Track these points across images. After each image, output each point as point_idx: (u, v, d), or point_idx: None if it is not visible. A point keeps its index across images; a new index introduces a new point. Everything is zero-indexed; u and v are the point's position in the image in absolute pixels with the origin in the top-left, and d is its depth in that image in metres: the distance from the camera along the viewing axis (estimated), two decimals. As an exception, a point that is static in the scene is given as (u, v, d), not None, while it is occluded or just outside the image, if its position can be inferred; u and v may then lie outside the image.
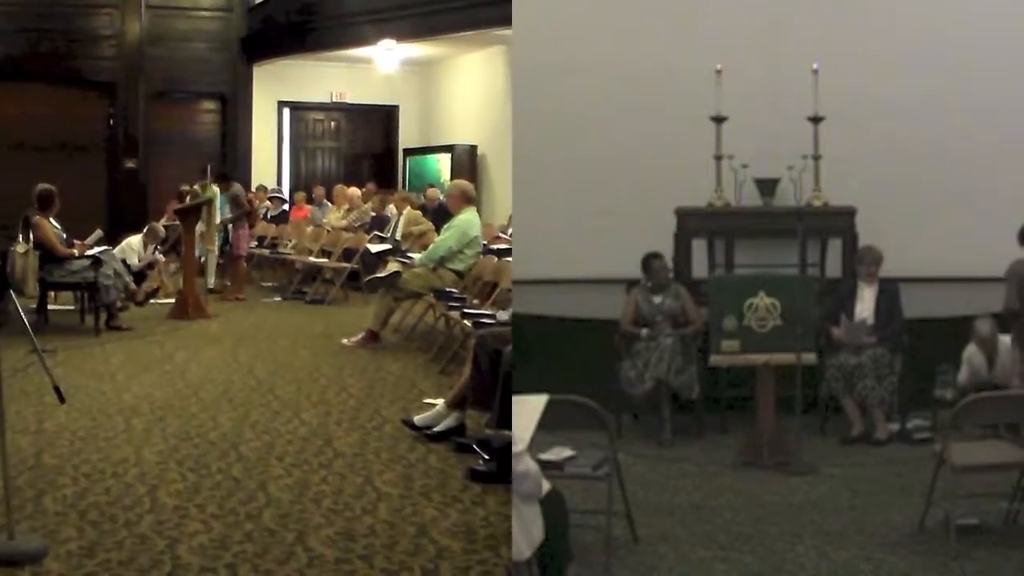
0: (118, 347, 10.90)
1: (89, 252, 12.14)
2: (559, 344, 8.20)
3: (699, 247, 8.52)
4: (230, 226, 15.65)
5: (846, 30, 8.80)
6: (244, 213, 15.55)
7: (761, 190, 8.56)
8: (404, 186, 21.52)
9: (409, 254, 12.03)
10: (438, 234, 11.69)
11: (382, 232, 15.42)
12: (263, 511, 5.74)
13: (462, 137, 20.70)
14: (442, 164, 20.99)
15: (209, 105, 21.95)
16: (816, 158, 8.42)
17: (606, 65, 8.87)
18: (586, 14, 8.99)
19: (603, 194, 8.77)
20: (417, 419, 7.29)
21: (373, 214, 17.09)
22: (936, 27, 8.83)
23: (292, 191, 21.17)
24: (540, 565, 4.38)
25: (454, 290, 10.60)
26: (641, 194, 8.62)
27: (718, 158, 8.47)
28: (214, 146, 21.81)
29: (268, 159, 22.55)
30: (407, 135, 23.05)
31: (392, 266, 11.58)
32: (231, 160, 21.33)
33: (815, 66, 8.27)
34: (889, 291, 7.88)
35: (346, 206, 17.68)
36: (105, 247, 12.61)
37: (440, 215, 14.12)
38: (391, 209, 16.46)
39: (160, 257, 14.77)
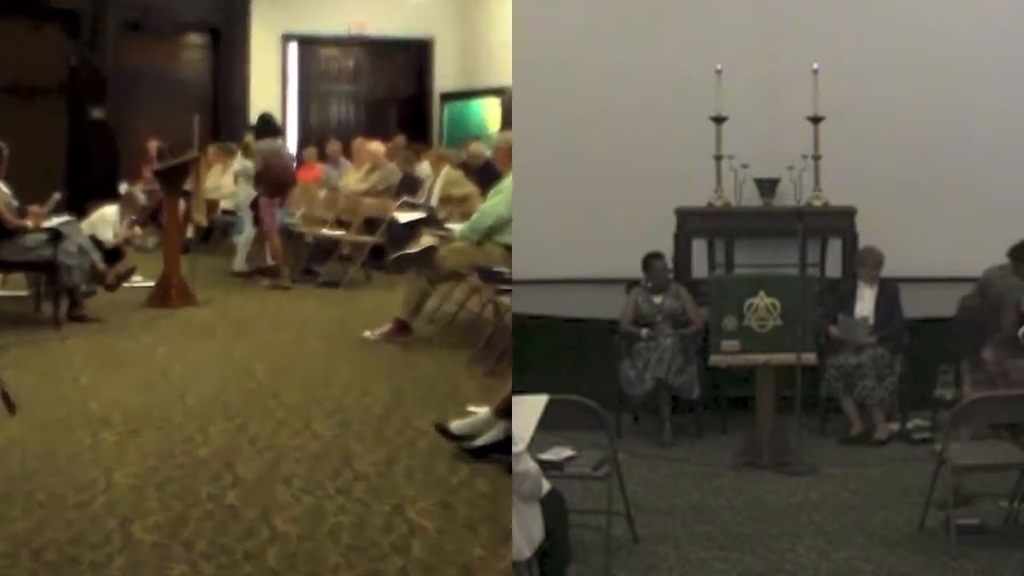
0: (83, 342, 9.13)
1: (46, 224, 9.92)
2: (559, 344, 8.20)
3: (699, 247, 8.52)
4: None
5: (846, 30, 8.81)
6: (273, 178, 12.57)
7: (761, 190, 8.56)
8: (440, 140, 18.24)
9: (447, 224, 9.90)
10: (483, 200, 9.58)
11: (413, 197, 12.23)
12: (266, 549, 4.75)
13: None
14: (488, 111, 17.49)
15: (196, 39, 18.36)
16: (816, 158, 8.42)
17: (606, 65, 8.88)
18: (586, 14, 8.99)
19: (603, 194, 8.77)
20: (455, 425, 6.22)
21: (402, 175, 13.91)
22: (936, 27, 8.84)
23: (300, 147, 17.66)
24: (540, 565, 4.38)
25: (504, 269, 8.52)
26: (641, 194, 8.62)
27: (718, 158, 8.47)
28: (202, 91, 18.17)
29: (270, 107, 17.16)
30: (444, 76, 18.95)
31: (426, 240, 9.56)
32: (223, 108, 17.85)
33: (815, 66, 8.27)
34: (889, 291, 7.88)
35: (367, 165, 14.46)
36: (67, 217, 10.43)
37: (486, 175, 11.53)
38: (424, 168, 13.58)
39: (136, 231, 12.08)
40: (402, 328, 9.19)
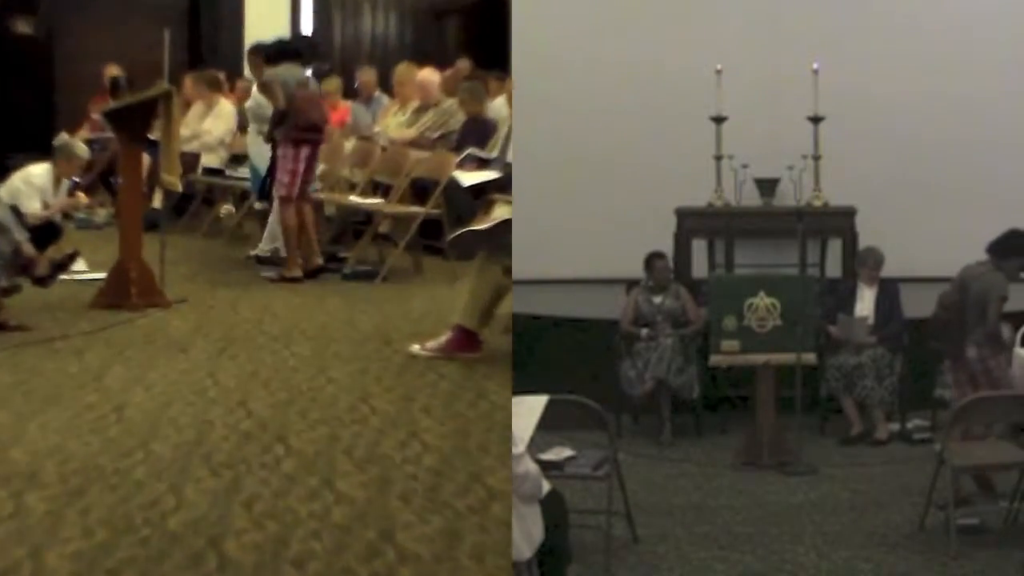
0: (1, 360, 6.86)
1: None
2: (559, 344, 8.19)
3: (699, 247, 8.52)
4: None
5: (846, 30, 8.80)
6: (300, 123, 9.18)
7: (761, 190, 8.55)
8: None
9: None
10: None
11: (482, 149, 8.39)
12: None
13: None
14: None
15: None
16: (816, 158, 8.42)
17: (606, 65, 8.87)
18: (586, 14, 8.99)
19: (603, 194, 8.76)
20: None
21: (465, 116, 10.37)
22: (936, 27, 8.83)
23: (318, 76, 12.36)
24: (540, 565, 4.38)
25: None
26: (641, 194, 8.61)
27: (718, 158, 8.46)
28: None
29: (274, 19, 13.72)
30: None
31: (501, 211, 7.04)
32: (207, 22, 13.79)
33: (815, 66, 8.26)
34: (889, 291, 7.88)
35: (415, 102, 10.81)
36: None
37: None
38: (498, 107, 10.13)
39: (81, 198, 9.54)
40: (467, 339, 6.98)
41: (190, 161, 11.51)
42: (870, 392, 7.54)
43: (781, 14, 8.81)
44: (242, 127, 12.12)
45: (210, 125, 12.56)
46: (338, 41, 14.64)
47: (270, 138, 9.74)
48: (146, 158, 8.94)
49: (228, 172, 11.97)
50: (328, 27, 14.30)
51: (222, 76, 12.79)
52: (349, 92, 12.45)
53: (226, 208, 12.36)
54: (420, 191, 10.03)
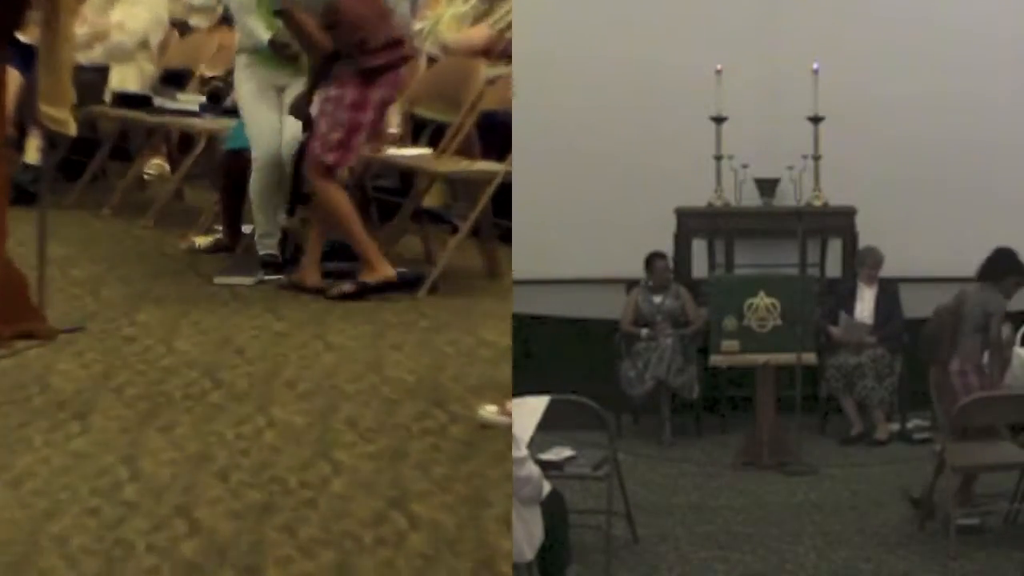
0: None
1: None
2: (559, 344, 8.19)
3: (699, 247, 8.52)
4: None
5: (846, 30, 8.80)
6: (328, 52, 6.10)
7: (761, 190, 8.55)
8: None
9: None
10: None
11: None
12: None
13: None
14: None
15: None
16: (816, 158, 8.41)
17: (606, 65, 8.87)
18: (586, 13, 8.98)
19: (603, 194, 8.76)
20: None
21: None
22: (936, 27, 8.83)
23: None
24: (540, 566, 4.38)
25: None
26: (641, 194, 8.61)
27: (718, 158, 8.46)
28: None
29: None
30: None
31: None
32: None
33: (815, 66, 8.26)
34: (889, 291, 7.89)
35: None
36: None
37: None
38: None
39: None
40: None
41: (92, 82, 7.90)
42: (870, 392, 7.54)
43: (781, 14, 8.81)
44: (181, 26, 8.62)
45: (124, 15, 8.55)
46: None
47: (306, 101, 6.30)
48: (14, 77, 6.37)
49: (159, 101, 7.87)
50: None
51: None
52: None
53: (155, 164, 8.59)
54: (492, 135, 6.94)
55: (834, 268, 8.46)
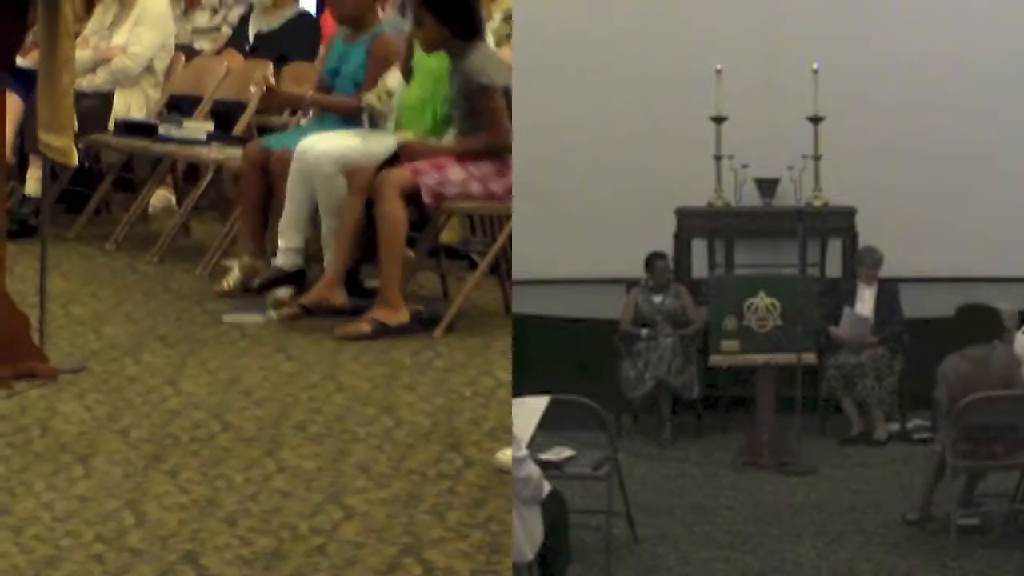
0: None
1: None
2: (559, 344, 8.19)
3: (699, 247, 8.52)
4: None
5: (846, 30, 8.80)
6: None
7: (761, 190, 8.55)
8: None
9: None
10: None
11: None
12: None
13: None
14: None
15: None
16: (816, 158, 8.41)
17: (606, 64, 8.87)
18: (586, 13, 8.99)
19: (603, 194, 8.76)
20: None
21: None
22: (936, 27, 8.83)
23: None
24: (540, 566, 4.38)
25: None
26: (641, 194, 8.61)
27: (718, 158, 8.46)
28: None
29: None
30: None
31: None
32: None
33: (815, 66, 8.26)
34: (889, 291, 7.88)
35: None
36: None
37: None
38: None
39: None
40: None
41: (94, 109, 7.78)
42: (870, 392, 7.54)
43: (781, 14, 8.81)
44: (187, 50, 8.35)
45: (127, 38, 8.14)
46: None
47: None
48: (14, 102, 6.41)
49: (164, 129, 7.51)
50: None
51: None
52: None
53: (161, 196, 8.33)
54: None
55: (834, 268, 8.46)
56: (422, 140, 6.54)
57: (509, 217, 6.48)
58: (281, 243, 6.48)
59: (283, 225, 6.46)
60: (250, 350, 5.76)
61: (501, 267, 6.50)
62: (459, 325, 6.03)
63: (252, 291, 6.34)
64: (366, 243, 6.29)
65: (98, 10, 8.32)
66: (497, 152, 6.49)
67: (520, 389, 4.99)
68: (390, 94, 6.72)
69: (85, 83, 7.74)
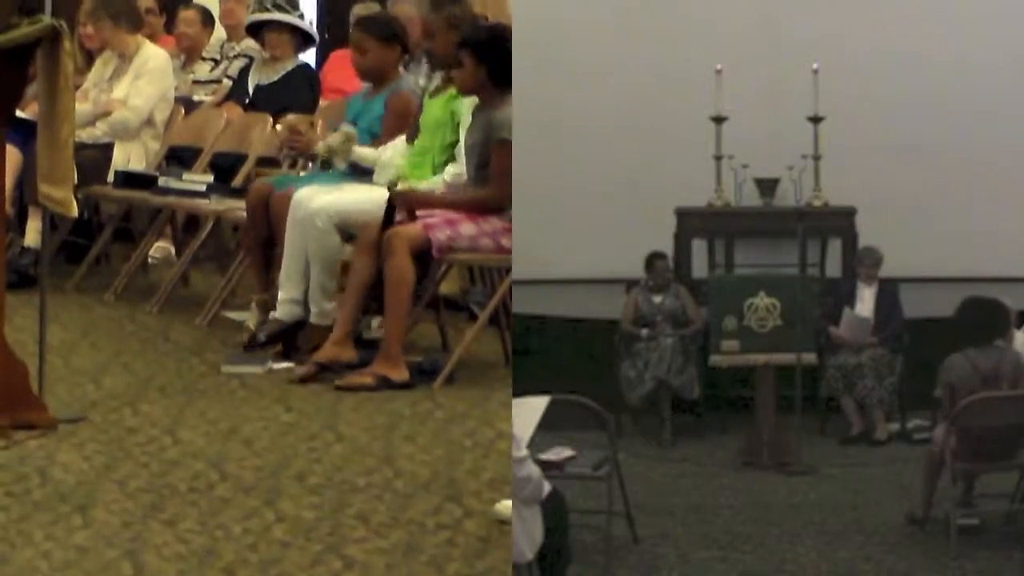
0: None
1: None
2: (559, 344, 8.19)
3: (699, 247, 8.52)
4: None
5: (846, 30, 8.80)
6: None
7: (761, 190, 8.56)
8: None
9: None
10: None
11: None
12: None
13: None
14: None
15: None
16: (816, 158, 8.42)
17: (606, 65, 8.87)
18: (586, 14, 8.99)
19: (603, 194, 8.77)
20: None
21: None
22: (936, 27, 8.83)
23: (324, 9, 10.34)
24: (540, 566, 4.38)
25: None
26: (641, 194, 8.62)
27: (718, 158, 8.47)
28: None
29: None
30: None
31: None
32: None
33: (815, 66, 8.27)
34: (889, 291, 7.89)
35: None
36: None
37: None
38: None
39: None
40: None
41: (94, 160, 7.81)
42: (870, 392, 7.54)
43: (781, 14, 8.81)
44: (187, 102, 8.41)
45: (128, 91, 8.17)
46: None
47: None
48: (13, 154, 6.51)
49: (164, 180, 7.55)
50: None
51: (148, 2, 8.55)
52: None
53: (160, 247, 8.32)
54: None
55: (834, 268, 8.46)
56: (419, 189, 6.54)
57: (509, 269, 6.51)
58: (280, 294, 6.48)
59: (282, 276, 6.49)
60: (249, 400, 5.76)
61: (501, 318, 6.51)
62: (459, 376, 6.03)
63: (254, 346, 6.42)
64: (367, 295, 6.34)
65: (98, 63, 8.42)
66: (501, 207, 6.47)
67: (520, 389, 4.99)
68: (351, 138, 6.78)
69: (85, 135, 7.81)
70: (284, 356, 6.39)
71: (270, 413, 5.57)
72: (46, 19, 5.07)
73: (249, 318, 6.64)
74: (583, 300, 8.55)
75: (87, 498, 4.56)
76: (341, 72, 8.62)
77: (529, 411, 4.58)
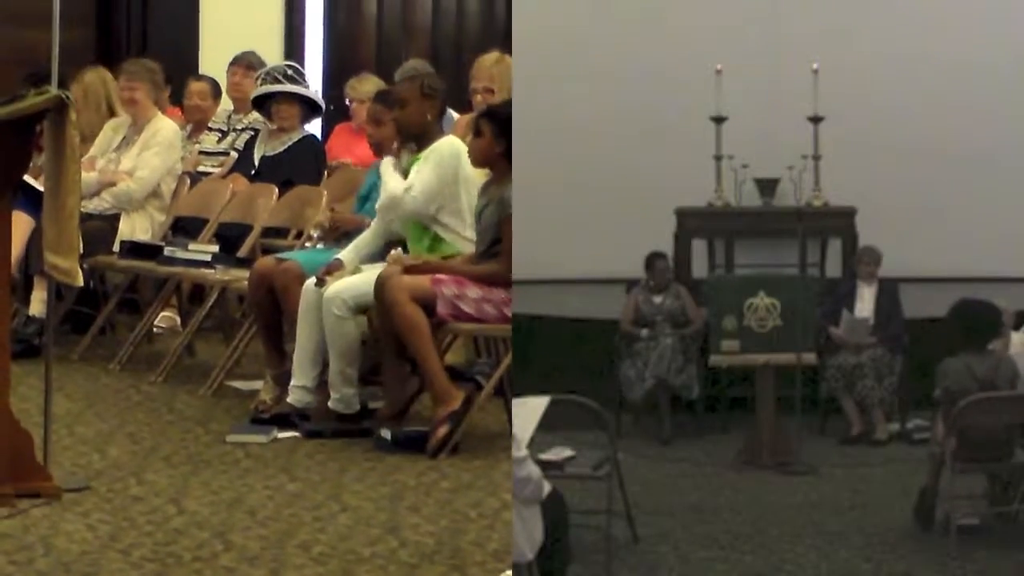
0: None
1: None
2: (559, 344, 8.19)
3: (699, 247, 8.52)
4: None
5: (846, 30, 8.80)
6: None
7: (761, 190, 8.56)
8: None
9: None
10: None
11: None
12: None
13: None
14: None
15: None
16: (816, 158, 8.42)
17: (606, 65, 8.87)
18: (586, 13, 8.99)
19: (603, 194, 8.77)
20: None
21: None
22: (936, 27, 8.83)
23: (329, 83, 10.33)
24: (540, 566, 4.38)
25: None
26: (641, 194, 8.62)
27: (718, 158, 8.47)
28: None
29: (261, 9, 10.29)
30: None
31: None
32: (135, 15, 9.98)
33: (815, 66, 8.27)
34: (889, 291, 7.89)
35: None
36: None
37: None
38: None
39: None
40: None
41: (100, 230, 7.91)
42: (870, 392, 7.54)
43: (781, 14, 8.81)
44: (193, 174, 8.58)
45: (135, 163, 8.16)
46: (372, 14, 10.36)
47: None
48: (26, 221, 6.76)
49: (169, 250, 7.56)
50: (350, 14, 9.96)
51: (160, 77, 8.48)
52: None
53: (165, 317, 8.33)
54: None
55: (834, 268, 8.47)
56: (427, 258, 6.50)
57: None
58: (294, 380, 6.46)
59: (296, 361, 6.47)
60: (254, 470, 5.75)
61: (506, 388, 6.49)
62: (464, 446, 6.00)
63: (261, 422, 6.40)
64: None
65: (106, 130, 8.41)
66: (508, 282, 6.46)
67: (520, 389, 4.99)
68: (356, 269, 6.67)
69: (91, 206, 7.88)
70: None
71: (275, 482, 5.57)
72: (53, 90, 5.11)
73: (264, 391, 6.65)
74: (583, 300, 8.55)
75: (91, 567, 4.53)
76: (345, 144, 8.91)
77: (529, 411, 4.58)
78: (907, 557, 5.49)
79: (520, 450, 4.30)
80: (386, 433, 6.08)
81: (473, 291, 6.26)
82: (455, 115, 8.43)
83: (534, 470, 4.34)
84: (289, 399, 6.44)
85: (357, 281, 6.36)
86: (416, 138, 6.69)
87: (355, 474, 5.71)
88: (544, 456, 5.42)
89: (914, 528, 5.83)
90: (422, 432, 6.09)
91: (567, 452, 5.66)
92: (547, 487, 4.45)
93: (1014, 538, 5.67)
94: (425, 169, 6.56)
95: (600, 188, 8.79)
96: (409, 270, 6.21)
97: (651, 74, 8.84)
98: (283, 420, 6.34)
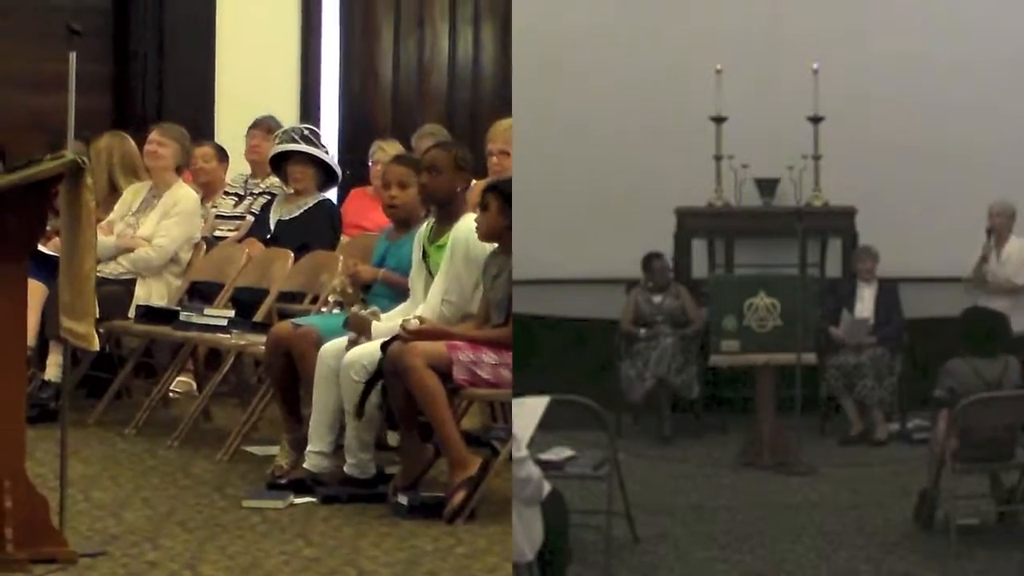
0: None
1: None
2: (559, 344, 8.19)
3: (699, 247, 8.52)
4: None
5: (846, 30, 8.80)
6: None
7: (761, 190, 8.56)
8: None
9: None
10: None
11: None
12: None
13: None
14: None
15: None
16: (816, 158, 8.42)
17: (606, 65, 8.88)
18: (586, 14, 8.99)
19: (603, 194, 8.77)
20: None
21: None
22: (936, 27, 8.84)
23: (344, 147, 10.31)
24: (540, 566, 4.39)
25: None
26: (641, 194, 8.62)
27: (718, 158, 8.47)
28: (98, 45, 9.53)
29: (276, 74, 10.25)
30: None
31: None
32: (151, 81, 9.98)
33: (815, 66, 8.27)
34: (888, 291, 7.89)
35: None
36: None
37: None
38: None
39: None
40: None
41: (116, 295, 7.80)
42: (870, 392, 7.54)
43: (781, 14, 8.81)
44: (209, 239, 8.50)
45: (153, 229, 8.09)
46: (376, 101, 10.42)
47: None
48: (37, 289, 6.65)
49: (185, 315, 7.54)
50: (370, 58, 9.95)
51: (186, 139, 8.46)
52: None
53: (181, 382, 8.30)
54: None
55: (834, 268, 8.47)
56: (438, 324, 6.38)
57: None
58: (310, 445, 6.39)
59: (312, 426, 6.40)
60: (270, 535, 5.67)
61: None
62: (480, 511, 5.92)
63: (277, 487, 6.32)
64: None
65: (126, 194, 8.29)
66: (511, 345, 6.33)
67: (520, 389, 5.00)
68: (375, 315, 6.58)
69: (108, 270, 7.85)
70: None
71: (291, 548, 5.50)
72: (69, 154, 5.09)
73: (280, 455, 6.58)
74: (583, 300, 8.55)
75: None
76: (361, 209, 8.83)
77: (529, 411, 4.58)
78: (907, 557, 5.49)
79: (520, 450, 4.30)
80: (402, 499, 6.01)
81: (489, 356, 6.17)
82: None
83: (534, 470, 4.34)
84: (305, 464, 6.38)
85: (375, 348, 6.28)
86: (442, 205, 6.62)
87: (372, 539, 5.63)
88: (544, 456, 5.42)
89: (914, 528, 5.83)
90: (438, 498, 6.02)
91: (567, 452, 5.66)
92: (547, 487, 4.45)
93: (1014, 538, 5.67)
94: (452, 271, 6.47)
95: (600, 188, 8.79)
96: (418, 335, 6.13)
97: (651, 74, 8.84)
98: (299, 485, 6.26)
